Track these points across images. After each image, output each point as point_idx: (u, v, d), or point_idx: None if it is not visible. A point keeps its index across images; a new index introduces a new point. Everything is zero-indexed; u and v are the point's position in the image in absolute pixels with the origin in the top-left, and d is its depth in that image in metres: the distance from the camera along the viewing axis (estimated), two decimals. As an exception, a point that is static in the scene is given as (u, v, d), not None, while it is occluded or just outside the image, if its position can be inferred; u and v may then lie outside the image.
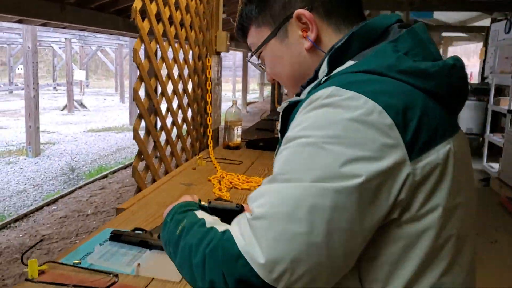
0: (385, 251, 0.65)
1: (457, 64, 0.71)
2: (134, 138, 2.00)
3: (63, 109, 14.85)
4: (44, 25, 4.95)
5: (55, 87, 23.12)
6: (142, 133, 2.14)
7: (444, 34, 11.76)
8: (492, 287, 3.14)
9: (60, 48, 19.31)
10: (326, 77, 0.73)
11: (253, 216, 0.62)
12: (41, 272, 1.23)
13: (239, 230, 0.63)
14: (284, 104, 0.77)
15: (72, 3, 4.40)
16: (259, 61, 0.89)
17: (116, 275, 1.21)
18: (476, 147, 7.49)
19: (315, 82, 0.75)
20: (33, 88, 7.66)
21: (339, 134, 0.61)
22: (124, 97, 18.22)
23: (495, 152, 6.20)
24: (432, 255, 0.66)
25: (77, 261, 1.29)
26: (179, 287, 1.17)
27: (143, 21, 2.03)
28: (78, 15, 4.65)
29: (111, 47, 20.67)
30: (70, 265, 1.27)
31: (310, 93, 0.71)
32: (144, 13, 2.06)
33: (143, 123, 2.12)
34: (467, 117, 7.55)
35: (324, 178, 0.59)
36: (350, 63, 0.72)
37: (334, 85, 0.65)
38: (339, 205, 0.58)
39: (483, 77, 8.21)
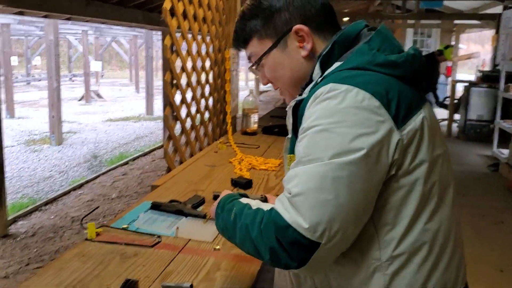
0: (390, 200, 0.87)
1: (416, 53, 0.92)
2: (164, 124, 2.24)
3: (80, 100, 15.16)
4: (68, 19, 5.18)
5: (71, 78, 23.46)
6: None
7: (456, 21, 11.77)
8: (495, 263, 3.34)
9: (75, 39, 19.56)
10: (321, 78, 0.94)
11: (292, 195, 0.82)
12: (97, 234, 1.47)
13: (283, 206, 0.83)
14: (292, 103, 0.98)
15: (96, -2, 4.63)
16: (258, 67, 1.08)
17: (159, 236, 1.45)
18: (487, 133, 7.57)
19: (313, 83, 0.96)
20: (56, 79, 7.93)
21: (343, 119, 0.81)
22: (139, 88, 18.45)
23: (505, 139, 6.28)
24: (424, 198, 0.88)
25: (125, 226, 1.53)
26: (212, 246, 1.39)
27: (172, 19, 2.25)
28: (101, 10, 4.88)
29: (125, 38, 20.89)
30: (120, 229, 1.51)
31: (311, 91, 0.91)
32: (172, 11, 2.28)
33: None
34: (478, 104, 7.57)
35: (338, 154, 0.80)
36: (337, 64, 0.94)
37: (331, 82, 0.86)
38: (353, 173, 0.79)
39: (494, 64, 8.26)
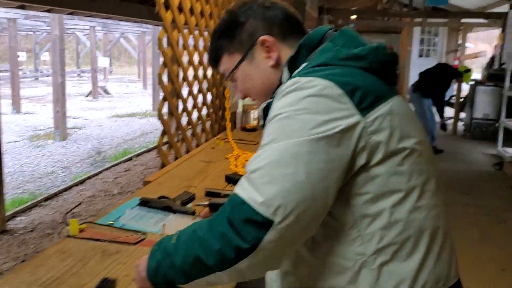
0: (365, 191, 0.84)
1: (380, 46, 0.93)
2: (158, 118, 2.20)
3: (87, 95, 15.20)
4: (71, 14, 5.15)
5: (79, 74, 23.54)
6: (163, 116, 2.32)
7: (463, 20, 11.63)
8: (497, 262, 3.28)
9: (84, 35, 19.60)
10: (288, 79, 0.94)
11: (250, 172, 0.81)
12: (81, 231, 1.44)
13: (240, 187, 0.82)
14: (263, 105, 1.00)
15: (99, -8, 4.59)
16: (233, 81, 1.10)
17: (144, 233, 1.42)
18: (492, 132, 7.50)
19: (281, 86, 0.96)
20: (61, 75, 7.94)
21: (305, 107, 0.82)
22: (146, 84, 18.47)
23: (510, 137, 6.24)
24: (402, 188, 0.85)
25: (111, 222, 1.50)
26: (198, 244, 1.36)
27: (166, 12, 2.22)
28: (104, 4, 4.84)
29: (134, 34, 20.90)
30: (105, 225, 1.48)
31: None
32: (167, 4, 2.24)
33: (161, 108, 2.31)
34: (484, 102, 7.52)
35: (300, 136, 0.79)
36: (304, 64, 0.95)
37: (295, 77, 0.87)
38: (313, 150, 0.78)
39: (501, 63, 8.17)
